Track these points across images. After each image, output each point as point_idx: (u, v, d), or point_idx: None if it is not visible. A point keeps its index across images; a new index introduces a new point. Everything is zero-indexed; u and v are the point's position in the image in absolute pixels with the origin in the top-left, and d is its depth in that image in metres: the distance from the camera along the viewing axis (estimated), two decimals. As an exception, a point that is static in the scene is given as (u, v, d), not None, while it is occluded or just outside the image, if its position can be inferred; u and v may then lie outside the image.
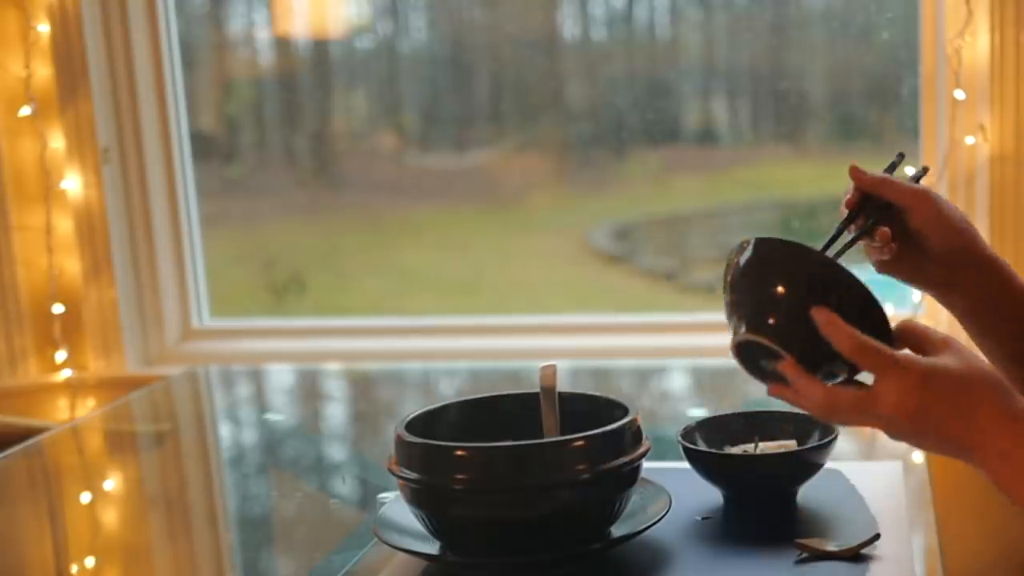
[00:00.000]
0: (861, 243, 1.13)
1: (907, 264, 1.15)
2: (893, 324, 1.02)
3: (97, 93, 2.59)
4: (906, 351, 1.00)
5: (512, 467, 1.12)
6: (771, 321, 0.99)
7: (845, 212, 1.13)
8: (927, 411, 0.97)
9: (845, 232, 1.12)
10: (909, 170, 1.26)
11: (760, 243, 1.02)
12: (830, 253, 1.10)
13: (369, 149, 3.14)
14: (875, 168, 1.14)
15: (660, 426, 1.73)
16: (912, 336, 1.01)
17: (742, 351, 1.02)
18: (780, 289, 0.99)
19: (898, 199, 1.11)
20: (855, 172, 1.11)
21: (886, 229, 1.12)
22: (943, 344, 1.00)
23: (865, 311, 0.99)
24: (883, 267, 1.16)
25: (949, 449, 1.00)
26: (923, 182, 1.16)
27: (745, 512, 1.31)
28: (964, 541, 2.16)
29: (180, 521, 1.57)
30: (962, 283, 1.15)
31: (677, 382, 2.29)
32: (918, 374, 0.97)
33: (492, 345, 2.70)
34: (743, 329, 1.01)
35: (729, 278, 1.04)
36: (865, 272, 1.13)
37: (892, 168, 1.16)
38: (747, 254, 1.02)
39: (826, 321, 0.97)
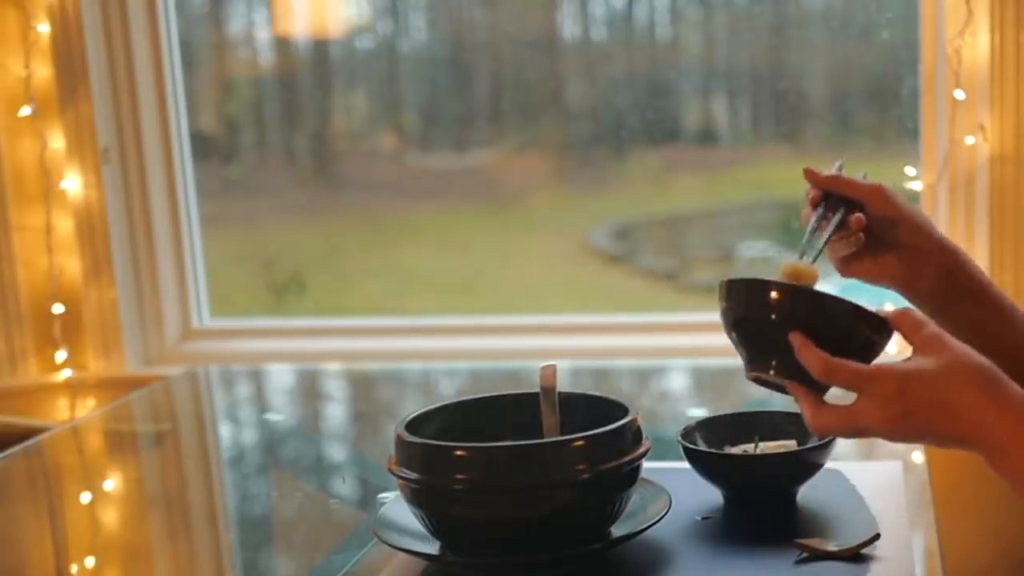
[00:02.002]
0: (827, 245, 1.16)
1: (868, 259, 1.18)
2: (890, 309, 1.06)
3: (97, 93, 2.59)
4: (880, 363, 1.02)
5: (512, 467, 1.12)
6: (765, 357, 1.06)
7: (810, 212, 1.17)
8: (913, 416, 0.99)
9: (818, 231, 1.15)
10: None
11: (729, 286, 1.08)
12: (810, 254, 1.14)
13: (369, 149, 3.14)
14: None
15: (660, 426, 1.73)
16: (903, 327, 1.04)
17: (755, 381, 1.10)
18: (760, 327, 1.05)
19: (854, 193, 1.16)
20: (809, 173, 1.18)
21: (860, 215, 1.15)
22: (929, 341, 1.01)
23: (856, 319, 1.03)
24: (846, 267, 1.20)
25: (950, 445, 1.01)
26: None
27: (745, 512, 1.31)
28: (964, 541, 2.16)
29: (180, 521, 1.57)
30: (920, 269, 1.17)
31: (677, 382, 2.29)
32: (895, 383, 0.99)
33: (492, 345, 2.70)
34: (747, 368, 1.09)
35: (722, 321, 1.10)
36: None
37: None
38: (723, 301, 1.09)
39: (799, 346, 1.02)
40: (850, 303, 1.04)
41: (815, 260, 1.12)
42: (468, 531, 1.16)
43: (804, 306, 1.03)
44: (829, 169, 1.18)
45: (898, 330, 1.04)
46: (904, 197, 1.18)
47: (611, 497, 1.16)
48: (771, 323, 1.04)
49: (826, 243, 1.14)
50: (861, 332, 1.03)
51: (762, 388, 1.10)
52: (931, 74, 2.37)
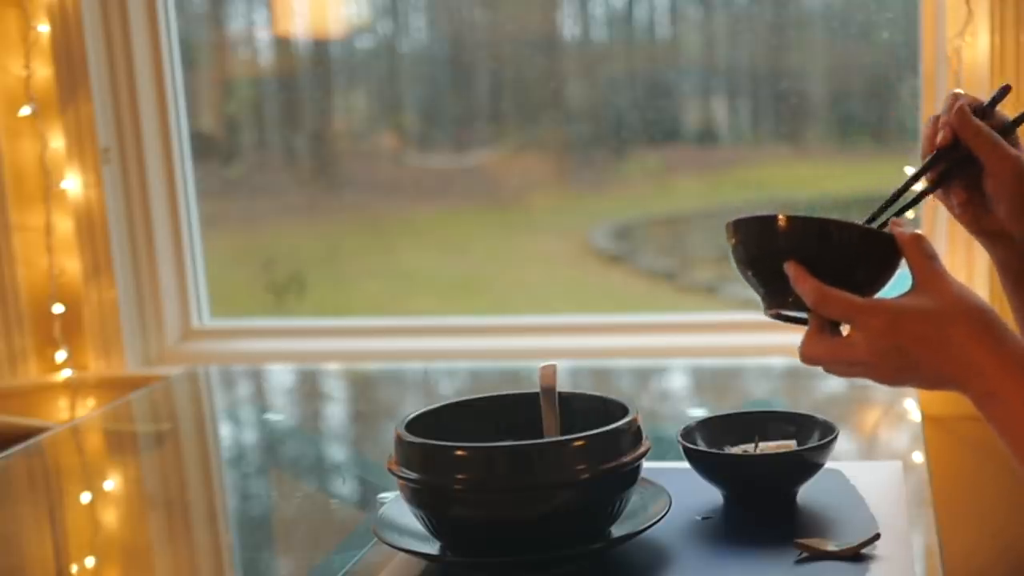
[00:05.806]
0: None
1: (968, 211, 1.13)
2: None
3: (97, 93, 2.59)
4: (877, 297, 1.00)
5: (512, 467, 1.12)
6: (781, 291, 1.03)
7: (929, 147, 1.10)
8: (903, 351, 0.97)
9: (923, 178, 1.11)
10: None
11: (736, 225, 1.06)
12: (903, 200, 1.11)
13: (369, 149, 3.14)
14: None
15: (660, 426, 1.73)
16: (911, 254, 1.00)
17: (775, 318, 1.08)
18: (766, 262, 1.03)
19: (985, 157, 1.08)
20: (962, 114, 1.07)
21: (963, 192, 1.10)
22: (931, 277, 0.98)
23: (862, 242, 1.01)
24: (945, 200, 1.14)
25: (939, 385, 0.99)
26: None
27: (745, 512, 1.31)
28: (964, 541, 2.16)
29: (180, 521, 1.57)
30: (1008, 239, 1.12)
31: (677, 382, 2.29)
32: (887, 316, 0.97)
33: (492, 345, 2.70)
34: (765, 307, 1.07)
35: (735, 262, 1.08)
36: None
37: (994, 103, 1.12)
38: (731, 240, 1.06)
39: (794, 277, 1.00)
40: (857, 226, 1.01)
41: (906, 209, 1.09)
42: (468, 531, 1.16)
43: (803, 233, 1.01)
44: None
45: (905, 255, 1.00)
46: None
47: (611, 497, 1.16)
48: (778, 254, 1.02)
49: (919, 200, 1.10)
50: (868, 257, 1.00)
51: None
52: (931, 74, 2.37)
